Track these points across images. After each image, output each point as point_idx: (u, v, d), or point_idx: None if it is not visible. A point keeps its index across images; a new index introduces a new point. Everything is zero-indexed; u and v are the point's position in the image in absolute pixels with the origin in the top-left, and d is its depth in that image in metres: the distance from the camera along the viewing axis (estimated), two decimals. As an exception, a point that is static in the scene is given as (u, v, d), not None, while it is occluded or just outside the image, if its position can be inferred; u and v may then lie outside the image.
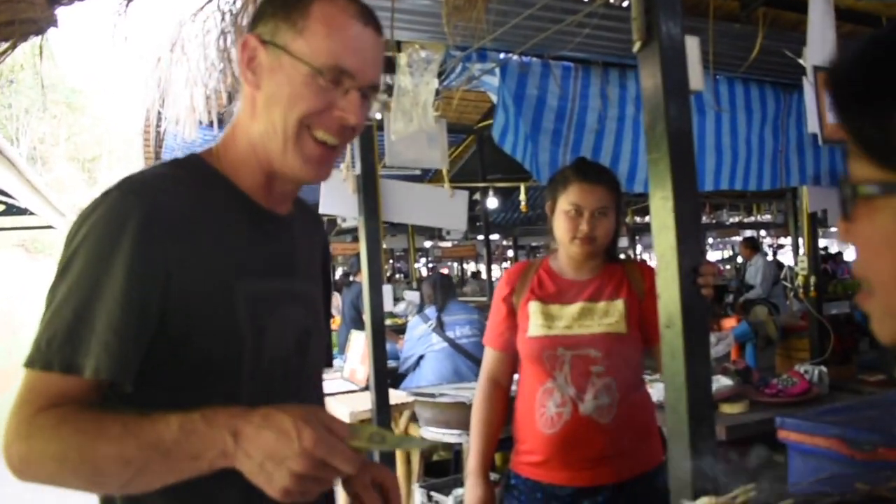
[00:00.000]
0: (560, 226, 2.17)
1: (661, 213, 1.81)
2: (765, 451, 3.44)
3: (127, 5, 2.28)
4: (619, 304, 2.14)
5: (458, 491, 3.77)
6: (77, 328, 0.97)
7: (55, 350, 0.96)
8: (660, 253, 1.82)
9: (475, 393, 2.32)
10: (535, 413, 2.15)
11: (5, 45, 2.25)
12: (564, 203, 2.15)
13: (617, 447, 2.08)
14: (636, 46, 1.90)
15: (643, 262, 2.31)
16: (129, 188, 1.03)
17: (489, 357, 2.32)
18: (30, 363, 0.97)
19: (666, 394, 1.83)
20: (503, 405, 2.30)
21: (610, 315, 2.13)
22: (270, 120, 1.10)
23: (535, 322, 2.17)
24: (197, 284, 1.04)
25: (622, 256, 2.32)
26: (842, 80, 0.59)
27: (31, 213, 8.91)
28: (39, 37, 2.27)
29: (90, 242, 0.99)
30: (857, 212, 0.58)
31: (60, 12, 2.23)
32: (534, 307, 2.18)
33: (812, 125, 2.72)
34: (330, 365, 1.45)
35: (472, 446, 2.26)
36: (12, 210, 9.18)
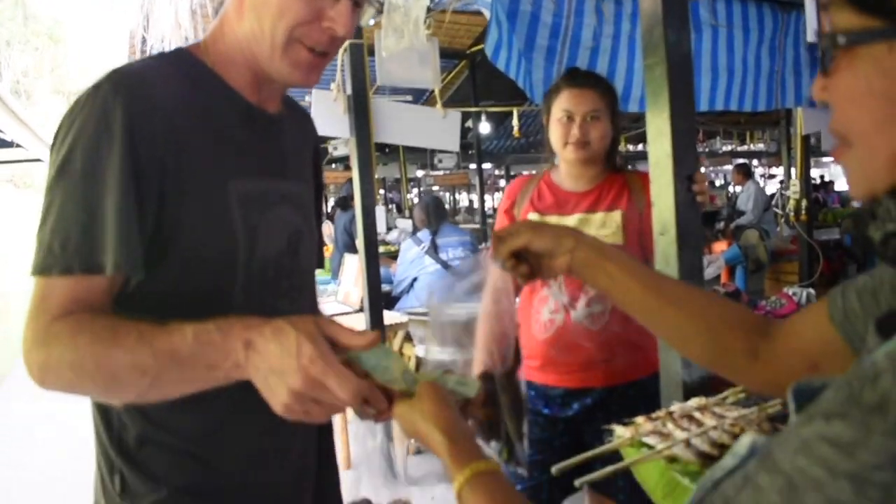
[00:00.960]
0: (554, 133, 2.18)
1: (657, 119, 1.80)
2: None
3: None
4: (616, 216, 2.15)
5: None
6: (91, 226, 0.95)
7: (72, 252, 0.94)
8: (654, 160, 1.81)
9: (481, 306, 2.36)
10: (531, 319, 2.21)
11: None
12: (557, 111, 2.17)
13: (607, 353, 2.12)
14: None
15: (645, 173, 2.30)
16: (117, 80, 0.99)
17: (493, 269, 2.35)
18: (45, 269, 0.95)
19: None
20: (510, 313, 2.34)
21: (607, 226, 2.14)
22: (259, 23, 1.06)
23: None
24: (191, 180, 1.02)
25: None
26: None
27: (19, 146, 8.80)
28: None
29: (85, 139, 0.96)
30: (836, 64, 0.58)
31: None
32: (532, 218, 2.21)
33: (811, 36, 2.69)
34: (321, 266, 1.45)
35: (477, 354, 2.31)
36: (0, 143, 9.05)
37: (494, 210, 15.34)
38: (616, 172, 2.24)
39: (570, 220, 2.17)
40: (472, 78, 7.73)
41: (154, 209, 0.99)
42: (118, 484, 1.08)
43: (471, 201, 20.43)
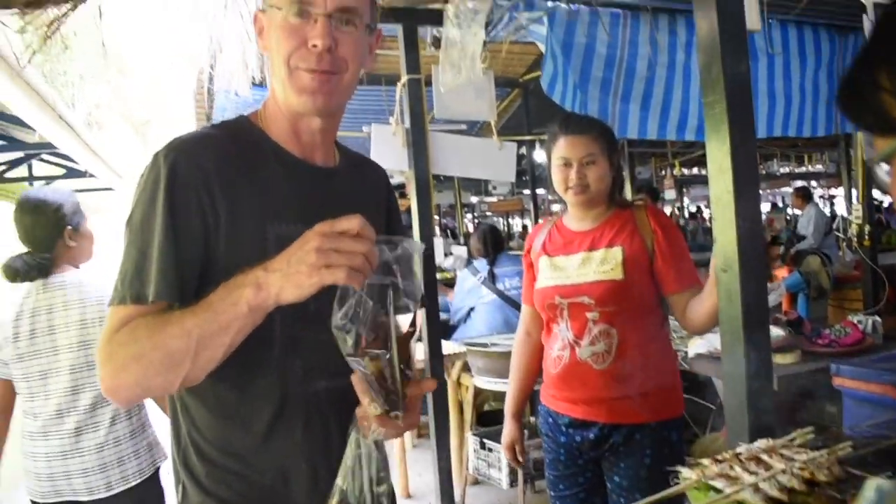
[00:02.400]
0: (555, 178, 2.27)
1: (718, 155, 1.80)
2: (818, 400, 3.42)
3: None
4: (616, 252, 2.18)
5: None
6: (142, 265, 1.14)
7: (127, 286, 1.14)
8: (716, 196, 1.81)
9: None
10: (546, 354, 2.34)
11: (67, 6, 2.31)
12: (555, 157, 2.26)
13: (612, 392, 2.16)
14: (691, -13, 1.87)
15: (652, 205, 2.32)
16: (169, 146, 1.20)
17: (523, 311, 2.53)
18: (111, 302, 1.16)
19: (722, 339, 1.83)
20: (535, 355, 2.46)
21: (606, 262, 2.18)
22: (273, 71, 1.26)
23: (542, 275, 2.32)
24: (231, 224, 1.18)
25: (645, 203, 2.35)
26: (843, 92, 0.75)
27: (91, 176, 9.11)
28: (99, -3, 2.32)
29: (142, 196, 1.17)
30: (889, 174, 0.71)
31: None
32: (543, 261, 2.32)
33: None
34: None
35: (508, 391, 2.52)
36: (73, 173, 9.41)
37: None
38: (623, 208, 2.29)
39: (575, 259, 2.25)
40: (526, 105, 7.76)
41: (199, 247, 1.17)
42: (180, 493, 1.29)
43: (524, 227, 20.42)
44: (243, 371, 1.20)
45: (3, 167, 9.11)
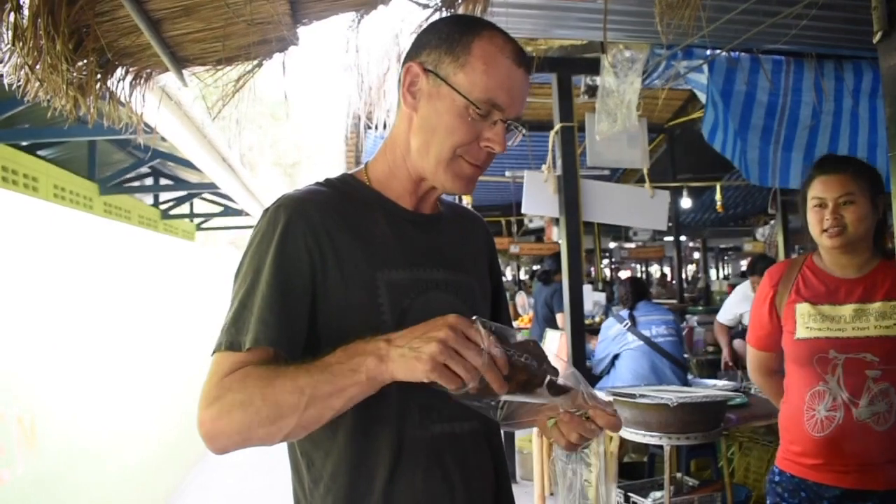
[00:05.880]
0: (810, 222, 2.13)
1: (906, 211, 1.72)
2: None
3: (359, 21, 2.46)
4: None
5: (657, 494, 3.71)
6: (240, 314, 1.16)
7: (224, 333, 1.16)
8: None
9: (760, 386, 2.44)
10: (804, 415, 2.11)
11: (254, 63, 2.50)
12: (810, 199, 2.13)
13: (890, 454, 1.99)
14: (876, 37, 1.81)
15: None
16: (282, 202, 1.23)
17: (755, 356, 2.36)
18: (213, 351, 1.17)
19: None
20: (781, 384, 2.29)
21: (888, 317, 2.01)
22: (425, 141, 1.24)
23: (802, 323, 2.12)
24: (341, 275, 1.20)
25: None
26: None
27: (245, 214, 9.74)
28: (282, 54, 2.51)
29: (252, 249, 1.21)
30: None
31: (302, 32, 2.45)
32: (802, 308, 2.14)
33: None
34: None
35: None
36: (228, 211, 10.12)
37: (688, 283, 14.76)
38: (889, 258, 2.11)
39: (845, 310, 2.07)
40: (671, 151, 7.66)
41: (306, 300, 1.18)
42: None
43: (663, 274, 19.89)
44: (362, 416, 1.17)
45: (170, 204, 9.88)
